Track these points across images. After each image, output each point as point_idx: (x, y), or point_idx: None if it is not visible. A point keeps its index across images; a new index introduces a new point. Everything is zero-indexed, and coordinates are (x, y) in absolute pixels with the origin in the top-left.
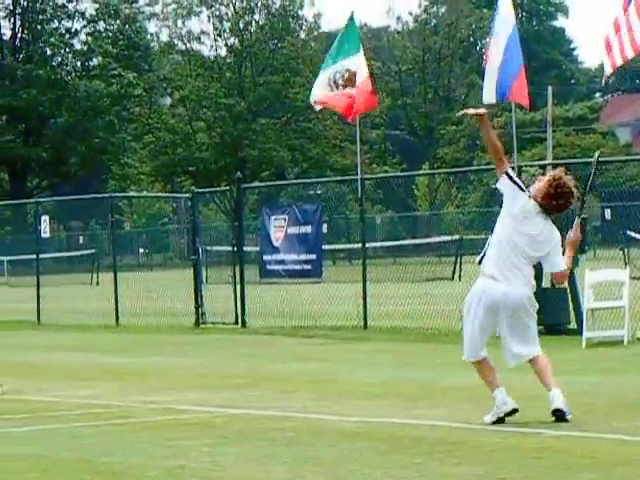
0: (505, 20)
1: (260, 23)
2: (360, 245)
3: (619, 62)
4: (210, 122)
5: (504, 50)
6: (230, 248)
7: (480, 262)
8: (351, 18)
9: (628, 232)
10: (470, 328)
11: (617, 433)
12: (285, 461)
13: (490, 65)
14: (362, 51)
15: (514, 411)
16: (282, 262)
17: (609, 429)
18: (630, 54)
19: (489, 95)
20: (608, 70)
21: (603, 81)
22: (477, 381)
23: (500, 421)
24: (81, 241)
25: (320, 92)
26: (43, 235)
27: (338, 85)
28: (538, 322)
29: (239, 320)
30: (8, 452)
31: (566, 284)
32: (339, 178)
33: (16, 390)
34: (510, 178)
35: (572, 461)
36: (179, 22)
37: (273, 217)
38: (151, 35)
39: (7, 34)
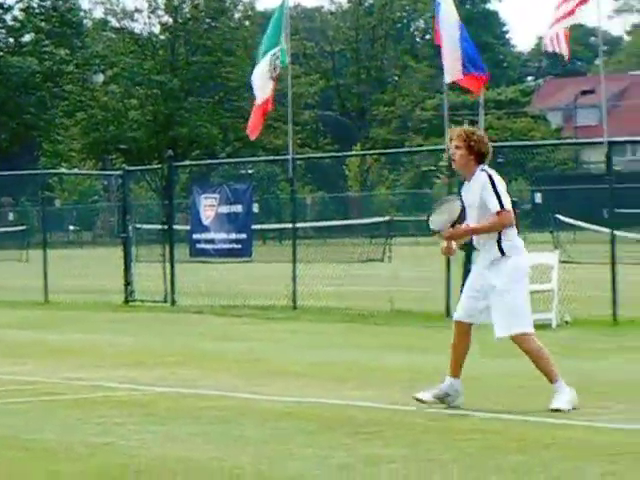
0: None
1: (194, 2)
2: (290, 225)
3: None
4: (142, 100)
5: (460, 37)
6: (160, 226)
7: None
8: (281, 5)
9: (558, 216)
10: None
11: (545, 416)
12: (211, 440)
13: (446, 46)
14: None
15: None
16: (212, 241)
17: (538, 412)
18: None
19: (451, 75)
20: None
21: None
22: (407, 362)
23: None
24: (11, 217)
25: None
26: None
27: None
28: None
29: (168, 298)
30: None
31: None
32: (270, 158)
33: None
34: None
35: (501, 443)
36: None
37: (204, 196)
38: (84, 12)
39: None
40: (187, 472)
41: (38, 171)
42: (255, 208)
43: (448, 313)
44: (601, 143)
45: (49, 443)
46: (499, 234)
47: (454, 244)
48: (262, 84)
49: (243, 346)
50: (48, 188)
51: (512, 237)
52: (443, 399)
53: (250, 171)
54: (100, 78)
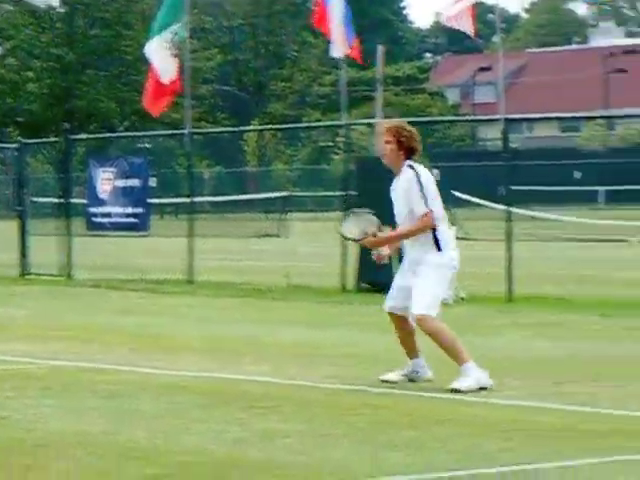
0: None
1: None
2: (188, 200)
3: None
4: (39, 73)
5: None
6: (57, 200)
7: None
8: None
9: (454, 192)
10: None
11: (437, 392)
12: (106, 414)
13: (334, 21)
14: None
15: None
16: (109, 215)
17: (430, 388)
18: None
19: (338, 50)
20: (471, 28)
21: (473, 34)
22: (303, 337)
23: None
24: None
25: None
26: None
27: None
28: (363, 279)
29: (65, 272)
30: None
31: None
32: (168, 132)
33: None
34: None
35: (393, 419)
36: None
37: (101, 169)
38: None
39: None
40: (84, 446)
41: None
42: (152, 182)
43: (344, 288)
44: (498, 120)
45: None
46: (433, 230)
47: (384, 250)
48: (165, 63)
49: (140, 320)
50: None
51: (443, 231)
52: (412, 377)
53: (148, 145)
54: None
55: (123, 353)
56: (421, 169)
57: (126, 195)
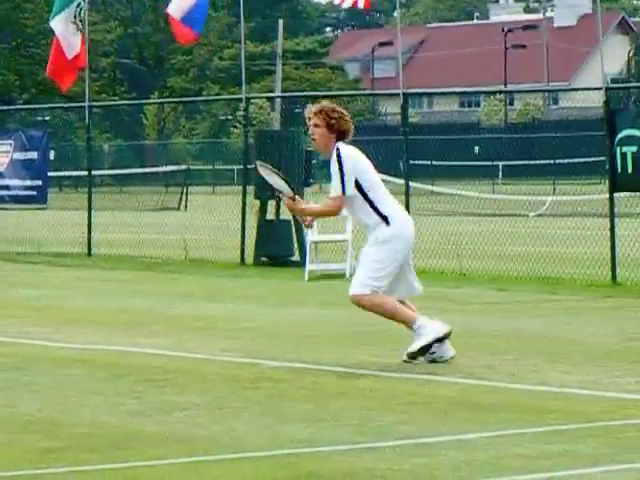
0: None
1: None
2: (87, 173)
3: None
4: None
5: None
6: None
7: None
8: None
9: None
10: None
11: (337, 365)
12: (1, 387)
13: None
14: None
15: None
16: (6, 187)
17: (329, 361)
18: None
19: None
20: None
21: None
22: (200, 310)
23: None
24: None
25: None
26: None
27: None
28: (261, 253)
29: None
30: None
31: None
32: (67, 105)
33: None
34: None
35: (291, 392)
36: None
37: None
38: None
39: None
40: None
41: None
42: (51, 155)
43: (243, 262)
44: (397, 94)
45: None
46: (371, 205)
47: (308, 218)
48: (69, 37)
49: (36, 293)
50: None
51: (386, 204)
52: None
53: (47, 118)
54: None
55: (18, 325)
56: (347, 150)
57: (25, 168)
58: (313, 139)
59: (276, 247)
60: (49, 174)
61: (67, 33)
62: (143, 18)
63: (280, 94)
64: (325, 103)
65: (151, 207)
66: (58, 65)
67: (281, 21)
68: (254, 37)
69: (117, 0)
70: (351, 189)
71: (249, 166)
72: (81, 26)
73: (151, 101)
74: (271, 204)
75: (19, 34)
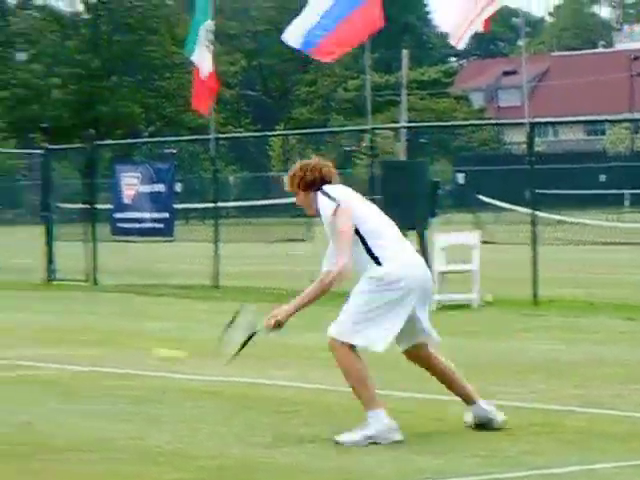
0: None
1: None
2: (213, 205)
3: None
4: (65, 79)
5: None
6: (83, 205)
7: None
8: None
9: (479, 196)
10: None
11: (425, 392)
12: (131, 419)
13: (310, 10)
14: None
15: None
16: (134, 220)
17: (429, 389)
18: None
19: (290, 37)
20: (454, 42)
21: (458, 45)
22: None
23: None
24: None
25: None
26: None
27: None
28: None
29: (90, 277)
30: None
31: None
32: (193, 137)
33: None
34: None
35: (419, 423)
36: None
37: (126, 175)
38: None
39: None
40: (107, 451)
41: None
42: (178, 187)
43: None
44: (523, 124)
45: None
46: (366, 247)
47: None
48: (203, 59)
49: (163, 325)
50: None
51: (383, 246)
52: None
53: (173, 150)
54: (22, 56)
55: (146, 358)
56: (331, 189)
57: (152, 200)
58: (300, 206)
59: None
60: (176, 206)
61: (200, 57)
62: (268, 50)
63: (405, 124)
64: (294, 167)
65: (277, 238)
66: (199, 92)
67: (406, 51)
68: (379, 68)
69: (242, 32)
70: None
71: (374, 197)
72: (211, 46)
73: (276, 133)
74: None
75: (145, 67)
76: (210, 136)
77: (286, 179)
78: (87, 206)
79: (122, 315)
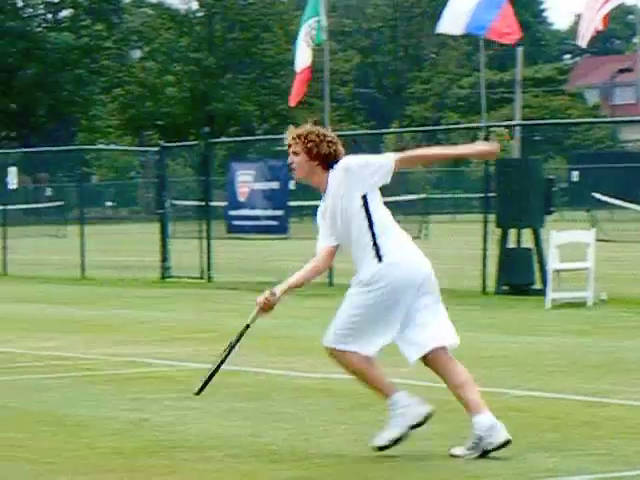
0: None
1: None
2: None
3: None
4: (179, 76)
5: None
6: (197, 202)
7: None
8: None
9: (594, 194)
10: None
11: (580, 394)
12: (247, 416)
13: None
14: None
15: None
16: (248, 217)
17: (572, 390)
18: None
19: (448, 26)
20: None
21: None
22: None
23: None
24: (49, 193)
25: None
26: (10, 186)
27: (308, 42)
28: (505, 282)
29: (204, 275)
30: None
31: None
32: None
33: None
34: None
35: (534, 421)
36: None
37: (240, 172)
38: None
39: None
40: (224, 448)
41: (75, 147)
42: (292, 185)
43: (484, 290)
44: (638, 122)
45: (84, 419)
46: (374, 239)
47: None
48: (301, 53)
49: (276, 323)
50: (85, 164)
51: (390, 238)
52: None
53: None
54: (137, 54)
55: (260, 355)
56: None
57: (266, 198)
58: (292, 169)
59: (517, 275)
60: (290, 204)
61: (298, 52)
62: (382, 47)
63: (519, 122)
64: (306, 127)
65: None
66: (295, 86)
67: (520, 49)
68: (493, 65)
69: (356, 30)
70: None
71: (489, 194)
72: (311, 44)
73: (390, 130)
74: (513, 232)
75: (258, 65)
76: None
77: (291, 133)
78: (201, 203)
79: (237, 312)
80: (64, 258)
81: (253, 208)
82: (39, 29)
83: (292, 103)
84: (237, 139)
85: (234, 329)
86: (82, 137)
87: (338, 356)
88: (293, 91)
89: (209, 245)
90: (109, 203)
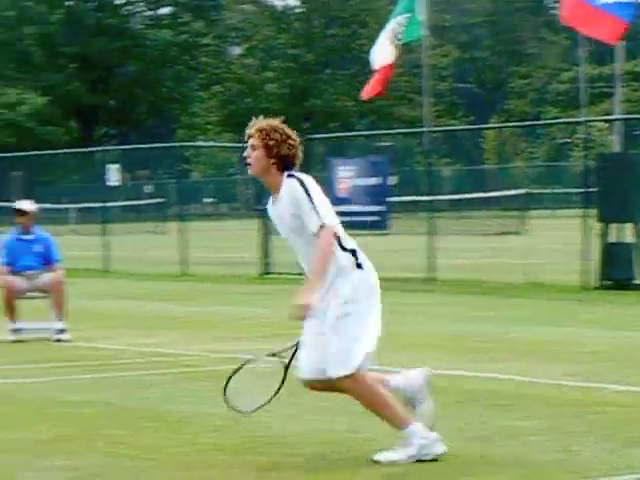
0: None
1: None
2: (427, 198)
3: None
4: (278, 73)
5: None
6: None
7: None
8: None
9: None
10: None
11: None
12: (344, 413)
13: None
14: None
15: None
16: (348, 214)
17: None
18: None
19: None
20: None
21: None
22: (540, 335)
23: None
24: (148, 190)
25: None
26: (111, 183)
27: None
28: (606, 277)
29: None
30: (77, 399)
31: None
32: (405, 130)
33: (85, 337)
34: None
35: (636, 416)
36: None
37: (340, 168)
38: None
39: None
40: (320, 445)
41: (175, 144)
42: (393, 180)
43: (584, 286)
44: None
45: (185, 415)
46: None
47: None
48: (382, 49)
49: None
50: (185, 161)
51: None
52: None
53: (387, 144)
54: (236, 51)
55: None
56: (306, 177)
57: (366, 194)
58: (248, 163)
59: (618, 270)
60: (390, 200)
61: (379, 47)
62: (482, 43)
63: (619, 116)
64: (270, 121)
65: (491, 232)
66: (378, 79)
67: (620, 43)
68: (592, 59)
69: (456, 25)
70: (330, 216)
71: (589, 189)
72: (397, 41)
73: (490, 125)
74: (613, 227)
75: (357, 61)
76: (424, 129)
77: (254, 125)
78: None
79: None
80: (164, 255)
81: (353, 204)
82: (138, 27)
83: (365, 96)
84: (336, 135)
85: None
86: (182, 134)
87: (351, 384)
88: (370, 86)
89: None
90: (208, 200)
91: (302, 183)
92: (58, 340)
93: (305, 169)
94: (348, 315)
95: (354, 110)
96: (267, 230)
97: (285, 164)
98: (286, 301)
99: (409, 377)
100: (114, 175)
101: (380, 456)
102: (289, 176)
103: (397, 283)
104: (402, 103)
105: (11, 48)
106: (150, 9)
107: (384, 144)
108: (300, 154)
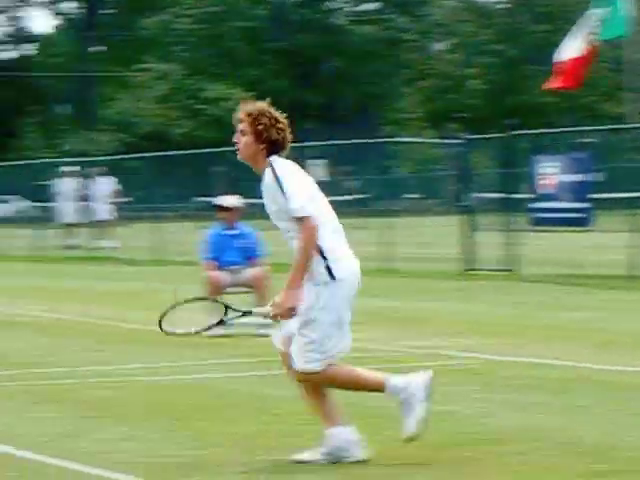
0: None
1: None
2: (629, 195)
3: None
4: (482, 68)
5: None
6: (500, 195)
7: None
8: None
9: None
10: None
11: None
12: (549, 409)
13: None
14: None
15: None
16: (552, 210)
17: None
18: None
19: None
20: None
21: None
22: None
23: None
24: (352, 185)
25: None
26: (320, 179)
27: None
28: None
29: (509, 267)
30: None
31: None
32: (610, 127)
33: None
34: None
35: None
36: None
37: (544, 165)
38: None
39: None
40: (526, 441)
41: (377, 140)
42: (599, 177)
43: None
44: None
45: (389, 411)
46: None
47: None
48: (572, 42)
49: (581, 315)
50: (389, 156)
51: (327, 238)
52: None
53: (592, 140)
54: (439, 47)
55: (565, 348)
56: (284, 163)
57: (571, 190)
58: (237, 149)
59: None
60: (595, 196)
61: (571, 41)
62: None
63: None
64: (258, 105)
65: None
66: (571, 70)
67: None
68: None
69: None
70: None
71: None
72: (592, 36)
73: None
74: None
75: None
76: (628, 125)
77: (242, 109)
78: (505, 196)
79: (540, 305)
80: (368, 250)
81: (557, 200)
82: (342, 22)
83: (545, 86)
84: (540, 131)
85: (536, 322)
86: (388, 130)
87: (314, 378)
88: (554, 78)
89: (512, 238)
90: (411, 195)
91: (274, 171)
92: (260, 335)
93: (510, 166)
94: (314, 321)
95: (558, 107)
96: (473, 226)
97: (274, 148)
98: (488, 297)
99: (408, 379)
100: (319, 171)
101: (299, 456)
102: (270, 164)
103: (599, 280)
104: (606, 99)
105: (216, 44)
106: (355, 5)
107: (587, 140)
108: (289, 137)
